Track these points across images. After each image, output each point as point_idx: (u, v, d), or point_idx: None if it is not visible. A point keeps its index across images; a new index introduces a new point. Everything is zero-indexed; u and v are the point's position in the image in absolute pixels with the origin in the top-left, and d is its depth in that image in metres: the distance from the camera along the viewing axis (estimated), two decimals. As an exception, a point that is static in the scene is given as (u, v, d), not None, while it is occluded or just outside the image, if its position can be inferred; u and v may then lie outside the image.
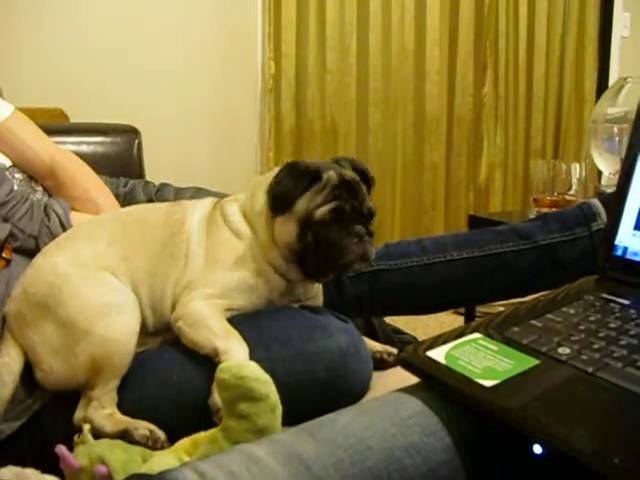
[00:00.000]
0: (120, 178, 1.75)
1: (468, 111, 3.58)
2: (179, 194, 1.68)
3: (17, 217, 1.18)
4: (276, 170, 1.03)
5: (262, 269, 1.05)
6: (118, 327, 0.97)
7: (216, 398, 0.91)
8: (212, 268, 1.04)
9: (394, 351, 1.11)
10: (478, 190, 3.67)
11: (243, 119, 3.27)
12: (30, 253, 1.14)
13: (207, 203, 1.11)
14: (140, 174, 2.12)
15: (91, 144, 2.09)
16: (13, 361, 0.95)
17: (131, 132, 2.18)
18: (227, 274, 1.04)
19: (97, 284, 1.00)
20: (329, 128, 3.32)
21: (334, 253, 1.00)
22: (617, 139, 2.10)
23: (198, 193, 1.67)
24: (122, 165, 2.08)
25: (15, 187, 1.42)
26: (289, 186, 1.00)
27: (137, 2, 3.03)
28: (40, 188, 1.51)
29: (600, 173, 2.21)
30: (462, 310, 2.48)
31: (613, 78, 3.71)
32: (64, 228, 1.22)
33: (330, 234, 1.00)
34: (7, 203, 1.19)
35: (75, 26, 2.92)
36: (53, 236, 1.18)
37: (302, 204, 1.00)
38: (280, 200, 1.00)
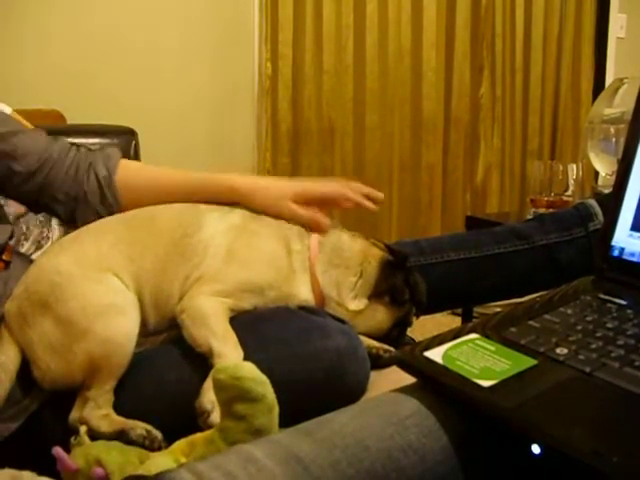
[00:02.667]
0: (117, 179, 1.75)
1: (465, 112, 3.59)
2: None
3: (60, 178, 1.19)
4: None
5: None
6: (117, 328, 0.97)
7: (203, 402, 0.91)
8: (229, 264, 1.06)
9: (390, 348, 1.11)
10: (475, 191, 3.68)
11: (240, 120, 3.27)
12: (29, 255, 1.14)
13: (236, 217, 1.14)
14: (137, 175, 2.11)
15: (88, 145, 2.09)
16: (10, 360, 0.95)
17: (128, 133, 2.17)
18: (243, 271, 1.06)
19: (99, 285, 1.00)
20: (326, 128, 3.32)
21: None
22: (614, 140, 2.10)
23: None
24: (119, 166, 2.07)
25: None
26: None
27: (133, 3, 3.02)
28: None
29: (597, 174, 2.21)
30: (459, 311, 2.48)
31: (609, 79, 3.72)
32: (103, 197, 1.19)
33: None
34: (45, 164, 1.18)
35: (72, 28, 2.92)
36: (89, 204, 1.18)
37: None
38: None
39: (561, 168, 2.23)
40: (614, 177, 0.99)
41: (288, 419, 0.75)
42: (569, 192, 2.24)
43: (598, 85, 3.73)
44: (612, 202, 0.95)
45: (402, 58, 3.41)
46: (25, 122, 1.55)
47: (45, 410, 0.98)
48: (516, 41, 3.63)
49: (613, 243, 0.93)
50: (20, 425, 0.95)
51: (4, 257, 1.05)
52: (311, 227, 1.16)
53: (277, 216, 1.15)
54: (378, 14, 3.33)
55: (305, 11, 3.21)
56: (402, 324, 1.19)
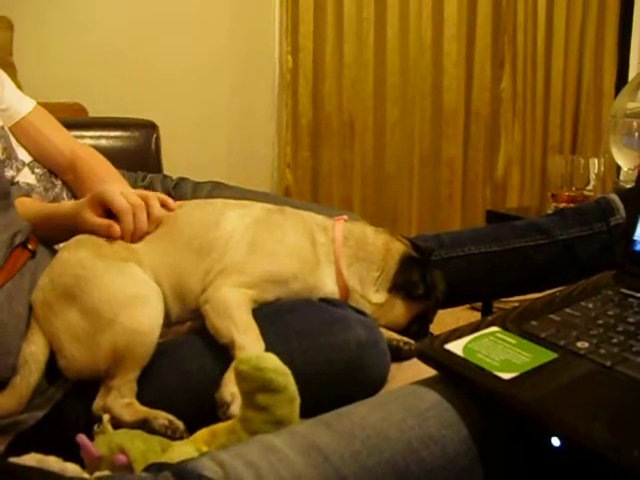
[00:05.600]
0: (138, 172, 1.77)
1: (486, 106, 3.57)
2: (197, 188, 1.69)
3: None
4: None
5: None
6: (142, 318, 0.98)
7: (223, 393, 0.92)
8: (253, 255, 1.07)
9: (411, 341, 1.12)
10: (495, 185, 3.66)
11: (260, 113, 3.28)
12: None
13: (259, 210, 1.15)
14: (158, 168, 2.13)
15: (110, 138, 2.11)
16: (40, 350, 0.96)
17: (149, 127, 2.19)
18: (268, 262, 1.07)
19: (123, 276, 1.01)
20: (346, 122, 3.31)
21: None
22: (636, 134, 2.09)
23: (216, 188, 1.68)
24: (140, 159, 2.09)
25: (34, 182, 1.44)
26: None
27: (156, -3, 3.04)
28: (59, 183, 1.52)
29: (619, 168, 2.20)
30: (478, 305, 2.48)
31: (633, 73, 3.68)
32: None
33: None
34: None
35: (95, 22, 2.94)
36: None
37: None
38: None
39: (582, 162, 2.22)
40: (636, 171, 0.98)
41: (309, 410, 0.75)
42: (590, 187, 2.23)
43: (621, 79, 3.69)
44: (634, 196, 0.95)
45: (423, 51, 3.40)
46: (49, 115, 1.57)
47: (69, 399, 0.99)
48: (538, 34, 3.60)
49: (635, 237, 0.93)
50: (46, 413, 0.97)
51: (30, 246, 1.06)
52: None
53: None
54: (399, 6, 3.32)
55: (326, 4, 3.21)
56: (422, 319, 1.19)
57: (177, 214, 1.13)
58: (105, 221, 1.07)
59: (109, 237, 1.06)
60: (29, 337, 0.97)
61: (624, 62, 3.76)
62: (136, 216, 1.07)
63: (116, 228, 1.06)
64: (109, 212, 1.08)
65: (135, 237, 1.08)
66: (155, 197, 1.11)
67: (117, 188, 1.10)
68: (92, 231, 1.07)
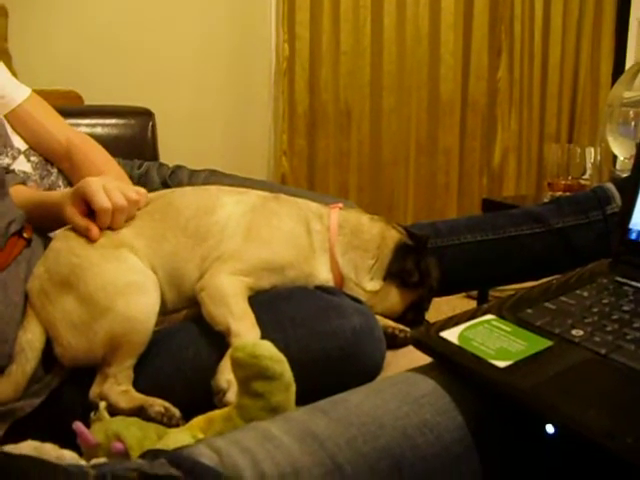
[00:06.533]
0: (134, 160, 1.76)
1: (482, 95, 3.56)
2: (193, 176, 1.69)
3: None
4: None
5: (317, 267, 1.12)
6: (138, 306, 0.98)
7: (219, 380, 0.92)
8: (250, 242, 1.07)
9: (406, 329, 1.12)
10: (492, 174, 3.66)
11: (257, 101, 3.27)
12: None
13: (254, 197, 1.14)
14: (154, 156, 2.13)
15: (105, 126, 2.10)
16: (36, 337, 0.97)
17: (145, 114, 2.18)
18: (264, 250, 1.07)
19: (119, 263, 1.01)
20: (343, 110, 3.30)
21: None
22: (633, 123, 2.09)
23: (212, 175, 1.68)
24: (136, 147, 2.09)
25: (30, 170, 1.43)
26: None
27: (151, -16, 3.02)
28: (55, 170, 1.52)
29: (615, 157, 2.20)
30: (474, 294, 2.49)
31: (630, 62, 3.68)
32: None
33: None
34: None
35: (90, 9, 2.92)
36: None
37: None
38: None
39: (579, 151, 2.22)
40: (632, 160, 0.99)
41: (304, 397, 0.76)
42: (586, 176, 2.23)
43: (618, 68, 3.69)
44: (630, 185, 0.95)
45: (420, 40, 3.38)
46: (45, 102, 1.57)
47: (66, 386, 0.99)
48: (535, 23, 3.58)
49: (631, 226, 0.93)
50: (42, 401, 0.97)
51: (25, 235, 1.06)
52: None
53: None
54: (396, -5, 3.31)
55: (323, -8, 3.19)
56: (417, 307, 1.20)
57: (172, 199, 1.12)
58: (84, 222, 1.04)
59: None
60: (25, 325, 0.97)
61: (621, 51, 3.75)
62: (114, 217, 1.05)
63: (94, 232, 1.03)
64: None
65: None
66: (135, 193, 1.09)
67: (100, 183, 1.07)
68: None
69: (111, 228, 1.05)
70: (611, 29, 3.71)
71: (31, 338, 0.96)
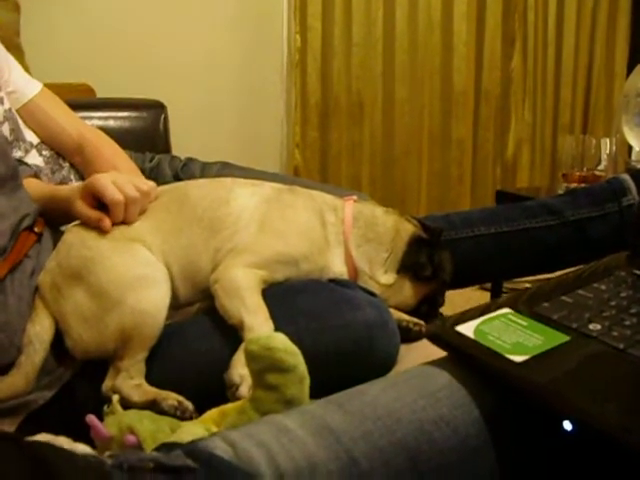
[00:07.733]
0: (146, 153, 1.76)
1: (496, 85, 3.54)
2: (205, 169, 1.68)
3: None
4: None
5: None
6: (150, 299, 0.98)
7: (232, 374, 0.92)
8: (264, 235, 1.06)
9: (420, 322, 1.11)
10: (505, 165, 3.64)
11: (269, 93, 3.26)
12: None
13: (269, 190, 1.13)
14: (166, 149, 2.13)
15: (118, 119, 2.10)
16: (44, 330, 0.97)
17: (157, 107, 2.18)
18: (278, 242, 1.07)
19: (130, 256, 1.01)
20: (355, 102, 3.30)
21: None
22: (649, 114, 2.07)
23: (225, 168, 1.68)
24: (148, 140, 2.08)
25: (42, 164, 1.43)
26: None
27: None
28: (67, 165, 1.52)
29: (630, 148, 2.18)
30: (488, 286, 2.48)
31: (645, 51, 3.64)
32: None
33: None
34: None
35: (102, 2, 2.93)
36: None
37: None
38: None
39: (594, 142, 2.21)
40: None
41: (318, 390, 0.75)
42: (601, 167, 2.22)
43: (633, 58, 3.65)
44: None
45: (432, 30, 3.36)
46: (56, 97, 1.56)
47: (79, 379, 1.00)
48: (549, 12, 3.56)
49: (648, 218, 0.92)
50: (55, 394, 0.97)
51: (36, 229, 1.06)
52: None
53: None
54: (408, -15, 3.29)
55: (335, -17, 3.18)
56: (431, 300, 1.19)
57: (188, 191, 1.12)
58: (95, 214, 1.04)
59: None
60: (34, 318, 0.97)
61: (636, 41, 3.71)
62: (128, 209, 1.05)
63: (106, 222, 1.03)
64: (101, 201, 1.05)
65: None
66: (146, 185, 1.08)
67: (110, 178, 1.06)
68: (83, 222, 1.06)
69: (125, 222, 1.05)
70: (627, 18, 3.67)
71: (39, 330, 0.97)
